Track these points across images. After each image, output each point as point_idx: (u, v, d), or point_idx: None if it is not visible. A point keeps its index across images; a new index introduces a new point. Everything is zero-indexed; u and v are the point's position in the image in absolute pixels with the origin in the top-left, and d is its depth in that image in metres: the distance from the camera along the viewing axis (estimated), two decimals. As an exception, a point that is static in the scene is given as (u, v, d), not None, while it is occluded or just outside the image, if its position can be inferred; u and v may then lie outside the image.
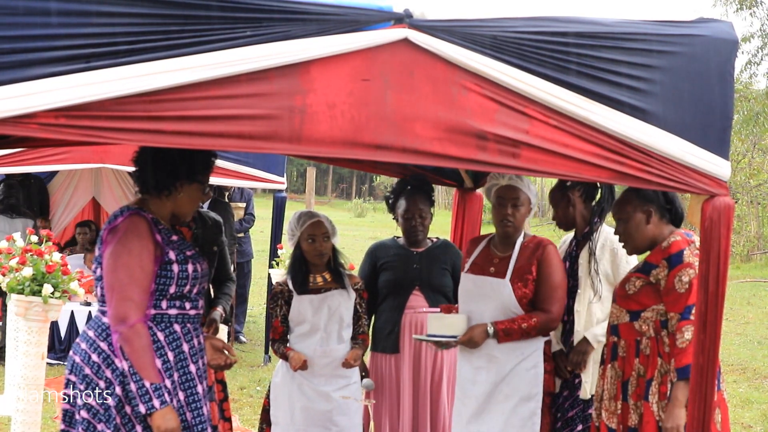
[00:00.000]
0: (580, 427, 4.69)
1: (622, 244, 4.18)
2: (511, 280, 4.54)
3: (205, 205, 10.07)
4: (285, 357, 4.87)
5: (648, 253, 4.19)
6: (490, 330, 4.47)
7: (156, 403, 3.46)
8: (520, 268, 4.57)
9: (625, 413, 4.05)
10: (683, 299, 3.83)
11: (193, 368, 3.72)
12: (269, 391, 5.02)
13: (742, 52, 23.09)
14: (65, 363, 3.76)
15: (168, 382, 3.59)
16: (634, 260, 4.68)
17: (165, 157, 3.67)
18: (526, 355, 4.51)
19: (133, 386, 3.47)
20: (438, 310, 5.17)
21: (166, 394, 3.50)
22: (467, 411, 4.58)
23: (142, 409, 3.46)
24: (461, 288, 4.71)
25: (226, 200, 10.24)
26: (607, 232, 4.73)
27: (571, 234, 5.02)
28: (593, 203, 4.86)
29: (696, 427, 3.43)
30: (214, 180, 8.07)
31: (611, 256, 4.69)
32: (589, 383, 4.63)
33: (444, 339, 4.50)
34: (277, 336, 4.96)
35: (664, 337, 3.96)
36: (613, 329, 4.16)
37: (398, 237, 5.43)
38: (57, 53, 2.66)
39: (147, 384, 3.46)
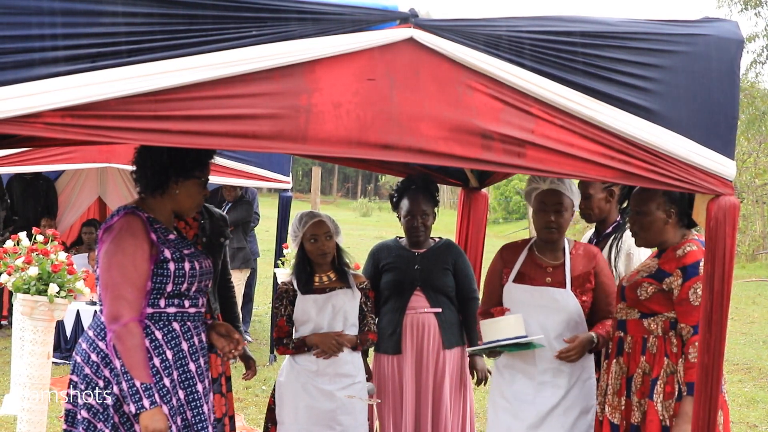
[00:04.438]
0: None
1: (634, 235, 4.17)
2: (573, 289, 4.38)
3: (230, 205, 10.18)
4: (302, 344, 4.87)
5: (654, 250, 4.20)
6: (595, 340, 4.29)
7: (146, 402, 3.46)
8: (579, 277, 4.41)
9: (629, 409, 4.05)
10: (697, 312, 3.76)
11: (192, 366, 3.73)
12: (274, 390, 5.02)
13: (747, 52, 23.15)
14: (71, 362, 3.77)
15: (167, 381, 3.60)
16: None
17: (157, 156, 3.68)
18: (584, 366, 4.39)
19: (124, 385, 3.47)
20: (439, 310, 5.17)
21: (156, 395, 3.49)
22: (520, 425, 4.36)
23: (132, 408, 3.46)
24: (510, 298, 4.46)
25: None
26: (625, 235, 4.74)
27: (589, 232, 5.04)
28: (620, 207, 4.88)
29: (701, 426, 3.43)
30: (220, 179, 8.13)
31: (626, 259, 4.69)
32: None
33: (522, 340, 4.19)
34: (283, 334, 4.96)
35: (672, 337, 3.96)
36: (620, 324, 4.16)
37: (401, 237, 5.43)
38: (62, 53, 2.66)
39: (137, 383, 3.45)
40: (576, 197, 4.45)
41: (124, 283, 3.52)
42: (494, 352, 4.35)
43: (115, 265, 3.54)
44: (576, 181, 4.43)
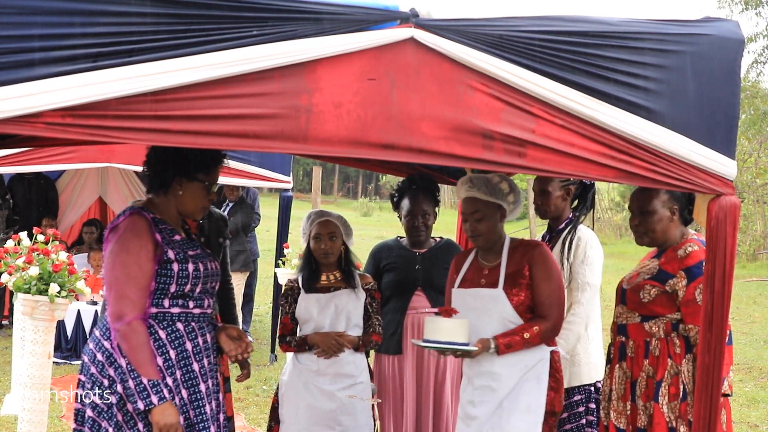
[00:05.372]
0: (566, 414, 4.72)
1: (639, 235, 4.16)
2: (504, 289, 4.24)
3: (231, 205, 10.20)
4: (304, 342, 4.87)
5: (653, 249, 4.20)
6: (492, 345, 4.13)
7: (154, 399, 3.48)
8: (512, 274, 4.26)
9: (634, 414, 4.04)
10: None
11: (196, 366, 3.73)
12: (278, 388, 5.02)
13: (748, 52, 23.18)
14: (72, 362, 3.80)
15: (170, 380, 3.62)
16: (594, 259, 4.73)
17: (161, 155, 3.72)
18: (530, 367, 4.21)
19: (131, 383, 3.50)
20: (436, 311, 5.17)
21: (164, 390, 3.52)
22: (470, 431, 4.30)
23: (140, 405, 3.49)
24: (454, 303, 4.40)
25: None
26: (580, 231, 4.78)
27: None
28: (572, 205, 4.96)
29: (702, 426, 3.43)
30: (221, 179, 8.11)
31: (574, 250, 4.72)
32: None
33: (445, 346, 4.10)
34: (287, 332, 4.96)
35: (674, 338, 3.96)
36: (620, 329, 4.16)
37: (402, 237, 5.43)
38: (63, 53, 2.66)
39: (145, 381, 3.48)
40: (505, 198, 4.29)
41: (128, 282, 3.55)
42: (439, 349, 4.24)
43: (119, 264, 3.57)
44: (503, 182, 4.28)
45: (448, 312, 4.20)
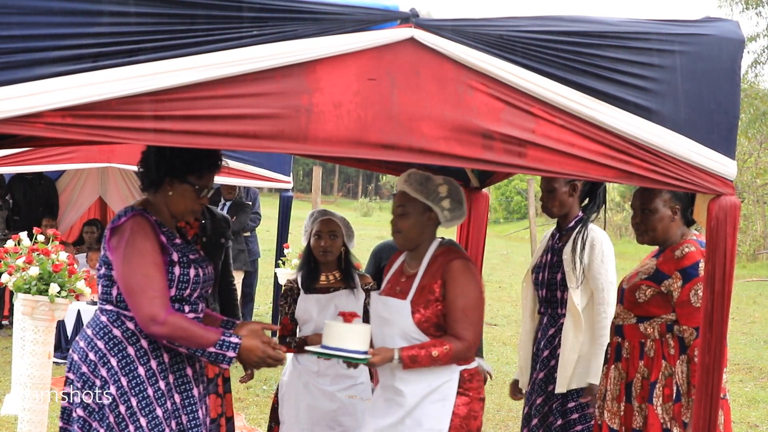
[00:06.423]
0: (559, 422, 4.71)
1: (640, 233, 4.16)
2: (413, 301, 3.95)
3: (228, 205, 10.22)
4: (304, 343, 4.85)
5: (654, 249, 4.20)
6: (396, 356, 3.83)
7: (230, 354, 3.54)
8: (423, 288, 3.96)
9: (629, 415, 4.05)
10: (699, 314, 3.71)
11: (189, 371, 3.72)
12: (278, 389, 5.02)
13: (748, 52, 23.22)
14: (68, 360, 3.78)
15: (162, 384, 3.60)
16: (611, 258, 4.72)
17: (154, 154, 3.71)
18: (434, 387, 3.90)
19: (204, 359, 3.60)
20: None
21: (231, 339, 3.55)
22: None
23: (225, 365, 3.58)
24: (370, 310, 4.23)
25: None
26: (593, 230, 4.78)
27: (551, 228, 5.10)
28: (581, 204, 4.95)
29: (702, 426, 3.42)
30: (221, 179, 8.12)
31: (590, 250, 4.72)
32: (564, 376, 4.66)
33: (333, 353, 3.84)
34: (286, 333, 4.96)
35: (669, 339, 3.97)
36: (617, 330, 4.16)
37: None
38: (63, 53, 2.66)
39: (212, 349, 3.52)
40: (438, 201, 4.04)
41: (150, 284, 3.53)
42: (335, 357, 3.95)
43: (136, 268, 3.54)
44: (443, 186, 4.10)
45: (347, 317, 3.96)
